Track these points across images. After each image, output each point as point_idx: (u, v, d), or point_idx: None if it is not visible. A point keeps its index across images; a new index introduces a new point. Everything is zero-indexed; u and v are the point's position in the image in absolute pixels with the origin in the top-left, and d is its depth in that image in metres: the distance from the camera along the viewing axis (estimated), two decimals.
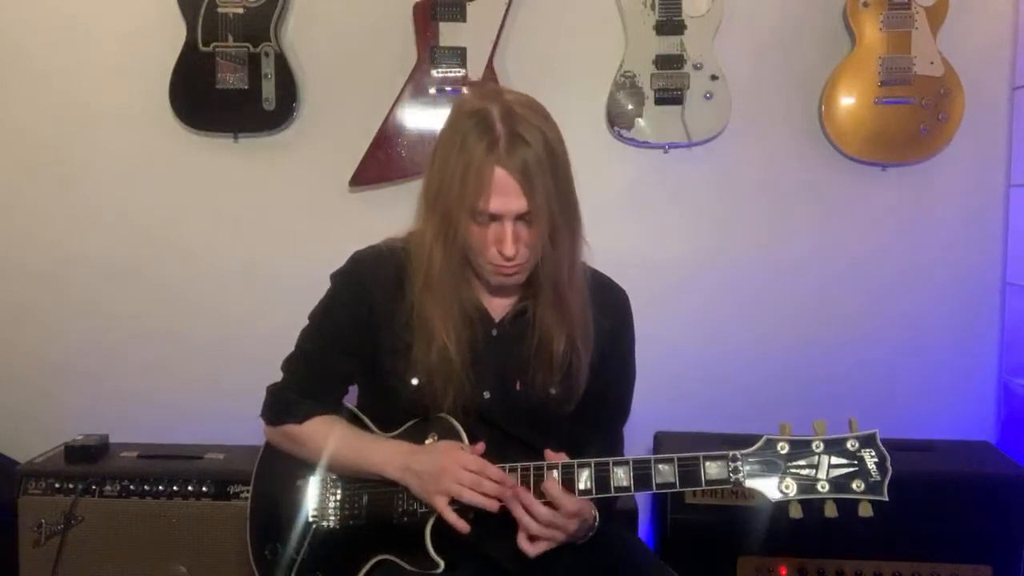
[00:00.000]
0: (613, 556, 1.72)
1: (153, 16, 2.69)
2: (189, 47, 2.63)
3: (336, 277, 1.80)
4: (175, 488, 2.42)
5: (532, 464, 1.63)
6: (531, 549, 1.60)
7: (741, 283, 2.76)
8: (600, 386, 1.78)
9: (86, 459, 2.50)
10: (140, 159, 2.78)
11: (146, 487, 2.42)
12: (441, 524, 1.64)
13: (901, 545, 2.39)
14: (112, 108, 2.77)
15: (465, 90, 2.58)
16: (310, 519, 1.77)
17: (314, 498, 1.78)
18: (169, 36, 2.64)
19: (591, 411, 1.80)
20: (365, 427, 1.80)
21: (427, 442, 1.70)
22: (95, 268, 2.81)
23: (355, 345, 1.76)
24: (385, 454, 1.70)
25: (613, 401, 1.85)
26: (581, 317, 1.71)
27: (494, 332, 1.75)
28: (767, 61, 2.71)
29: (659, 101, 2.63)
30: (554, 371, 1.72)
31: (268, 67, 2.63)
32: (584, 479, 1.62)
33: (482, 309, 1.74)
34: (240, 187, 2.78)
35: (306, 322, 1.83)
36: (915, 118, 2.60)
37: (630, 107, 2.64)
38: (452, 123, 1.65)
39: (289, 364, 1.83)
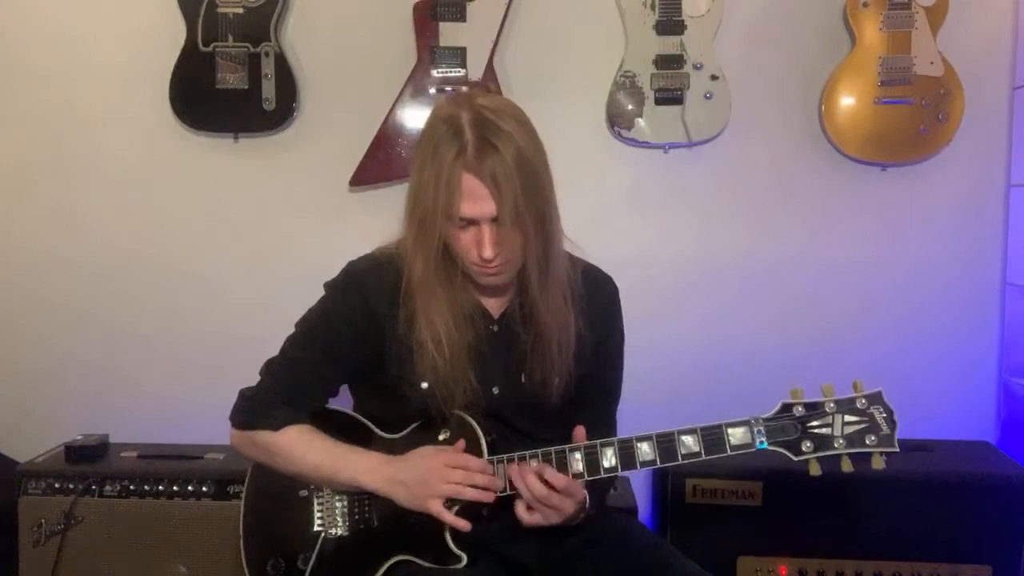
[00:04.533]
0: (637, 555, 1.73)
1: (153, 16, 2.68)
2: (189, 47, 2.62)
3: (331, 287, 1.78)
4: (175, 488, 2.42)
5: (554, 448, 1.65)
6: (527, 517, 1.63)
7: (741, 283, 2.76)
8: (595, 371, 1.81)
9: (86, 459, 2.50)
10: (140, 159, 2.77)
11: (146, 487, 2.42)
12: (459, 517, 1.64)
13: (901, 545, 2.40)
14: (112, 108, 2.76)
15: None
16: (317, 528, 1.74)
17: (319, 506, 1.75)
18: (169, 36, 2.64)
19: (587, 397, 1.81)
20: (367, 430, 1.78)
21: (440, 438, 1.71)
22: (95, 268, 2.80)
23: (351, 357, 1.75)
24: (365, 465, 1.70)
25: (606, 385, 1.87)
26: (560, 316, 1.72)
27: (494, 328, 1.76)
28: (767, 61, 2.71)
29: (659, 101, 2.62)
30: (551, 362, 1.73)
31: (268, 67, 2.63)
32: (609, 456, 1.65)
33: (480, 307, 1.75)
34: (240, 187, 2.77)
35: (294, 328, 1.80)
36: (915, 118, 2.60)
37: (630, 107, 2.64)
38: (427, 130, 1.66)
39: (272, 369, 1.79)
